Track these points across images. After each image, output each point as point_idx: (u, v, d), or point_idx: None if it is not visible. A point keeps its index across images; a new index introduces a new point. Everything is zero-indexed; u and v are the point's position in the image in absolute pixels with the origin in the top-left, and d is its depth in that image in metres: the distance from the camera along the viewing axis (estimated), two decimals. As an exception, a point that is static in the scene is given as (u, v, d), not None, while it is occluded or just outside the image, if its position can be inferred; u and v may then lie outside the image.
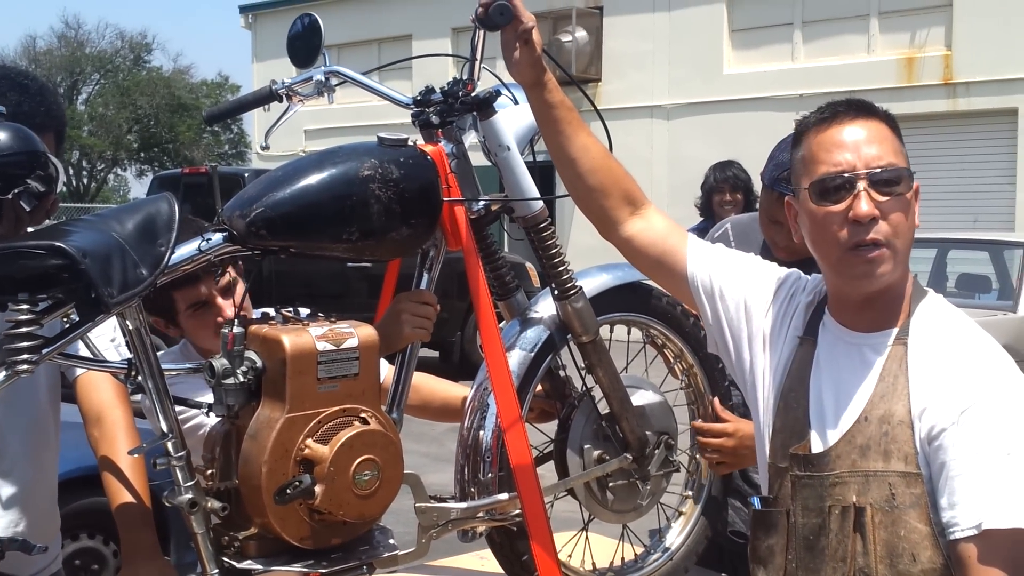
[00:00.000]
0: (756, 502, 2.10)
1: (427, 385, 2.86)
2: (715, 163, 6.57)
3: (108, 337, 2.38)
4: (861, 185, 1.94)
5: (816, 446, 2.00)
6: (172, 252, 2.02)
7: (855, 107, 2.02)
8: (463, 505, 2.39)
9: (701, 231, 4.75)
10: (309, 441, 2.05)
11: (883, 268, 1.95)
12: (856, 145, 1.97)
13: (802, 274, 2.20)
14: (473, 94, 2.37)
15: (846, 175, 1.95)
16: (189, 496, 2.04)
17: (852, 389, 1.99)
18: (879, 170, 1.94)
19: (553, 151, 2.26)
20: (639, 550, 2.87)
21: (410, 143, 2.33)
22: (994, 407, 1.86)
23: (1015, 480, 1.82)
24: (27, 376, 1.90)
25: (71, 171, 41.42)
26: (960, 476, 1.85)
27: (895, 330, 1.99)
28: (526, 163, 2.49)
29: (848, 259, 1.97)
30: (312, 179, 2.17)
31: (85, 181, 44.43)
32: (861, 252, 1.95)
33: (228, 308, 2.61)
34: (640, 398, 2.68)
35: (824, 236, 1.99)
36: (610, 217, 2.25)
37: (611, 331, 2.72)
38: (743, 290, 2.18)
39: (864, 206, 1.92)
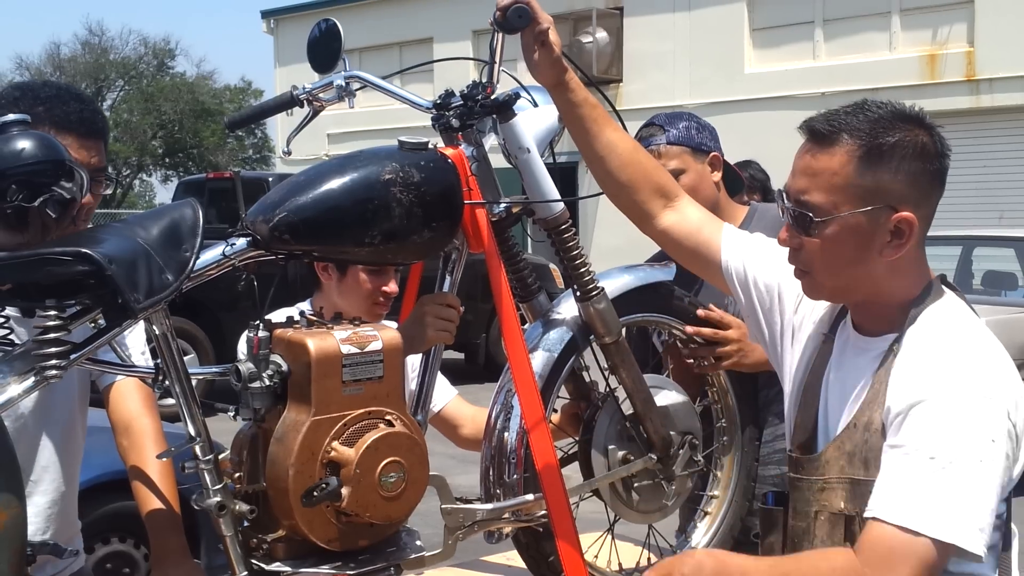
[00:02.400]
0: (771, 498, 2.10)
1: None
2: (734, 163, 6.48)
3: (139, 350, 2.41)
4: (787, 216, 1.97)
5: (820, 447, 2.00)
6: (197, 257, 2.04)
7: (813, 133, 1.96)
8: (489, 506, 2.40)
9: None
10: (335, 444, 2.06)
11: (810, 293, 2.01)
12: (795, 175, 1.97)
13: None
14: (492, 97, 2.37)
15: (784, 202, 1.98)
16: (217, 499, 2.05)
17: (850, 394, 1.98)
18: (795, 204, 1.95)
19: (582, 149, 2.28)
20: (665, 550, 2.87)
21: (430, 146, 2.34)
22: (942, 409, 1.80)
23: (928, 486, 1.76)
24: (58, 383, 1.93)
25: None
26: (887, 464, 1.82)
27: (893, 336, 1.96)
28: (546, 165, 2.49)
29: None
30: (334, 183, 2.18)
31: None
32: (796, 272, 2.01)
33: (393, 283, 2.94)
34: (664, 398, 2.67)
35: None
36: (644, 211, 2.27)
37: (634, 332, 2.72)
38: (777, 280, 2.19)
39: (781, 235, 1.99)
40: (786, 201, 1.96)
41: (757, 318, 2.21)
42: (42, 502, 2.36)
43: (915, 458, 1.78)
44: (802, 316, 2.15)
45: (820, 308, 2.13)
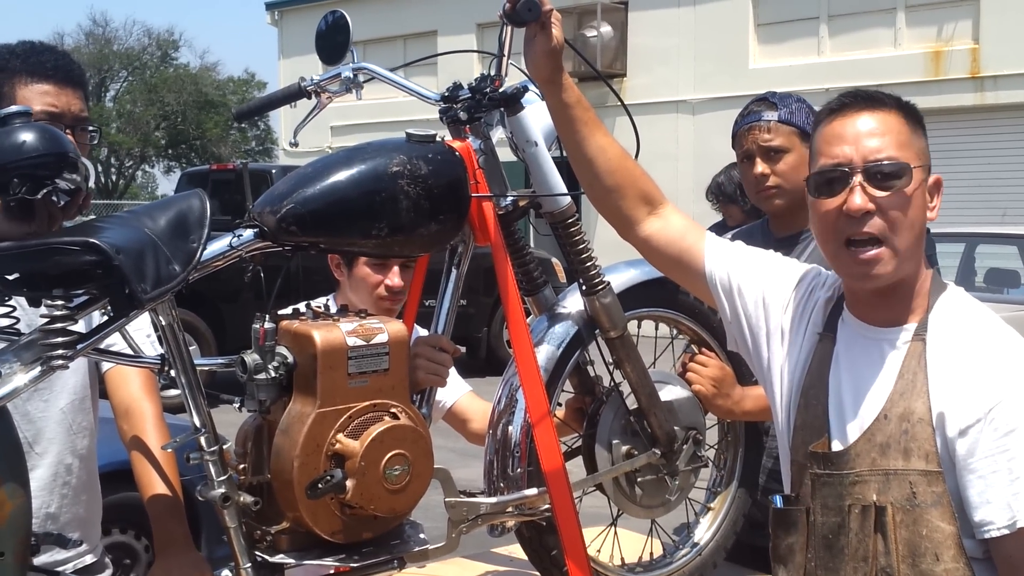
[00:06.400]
0: (777, 500, 2.10)
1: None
2: (717, 172, 5.94)
3: (144, 332, 2.40)
4: (856, 179, 1.93)
5: (836, 443, 1.99)
6: (204, 248, 2.04)
7: (863, 98, 2.00)
8: (492, 500, 2.40)
9: (722, 227, 4.69)
10: (340, 436, 2.06)
11: (879, 268, 1.94)
12: (856, 137, 1.96)
13: (822, 270, 2.20)
14: (500, 90, 2.37)
15: (842, 168, 1.95)
16: (222, 490, 2.05)
17: (871, 386, 1.98)
18: (875, 163, 1.93)
19: (570, 151, 2.26)
20: (668, 545, 2.87)
21: (438, 139, 2.34)
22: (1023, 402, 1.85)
23: None
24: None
25: (99, 168, 41.59)
26: (994, 473, 1.84)
27: (914, 325, 1.98)
28: (553, 159, 2.49)
29: (843, 256, 1.97)
30: (341, 175, 2.18)
31: (114, 178, 44.64)
32: (856, 251, 1.95)
33: (396, 278, 2.92)
34: (668, 393, 2.68)
35: (823, 229, 2.00)
36: (628, 217, 2.25)
37: (639, 326, 2.72)
38: (761, 286, 2.18)
39: (857, 200, 1.92)
40: (855, 165, 1.94)
41: (740, 324, 2.20)
42: (46, 475, 2.37)
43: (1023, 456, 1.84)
44: (791, 316, 2.14)
45: (812, 307, 2.13)
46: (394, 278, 2.93)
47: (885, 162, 1.93)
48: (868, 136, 1.95)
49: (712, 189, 5.86)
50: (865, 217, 1.92)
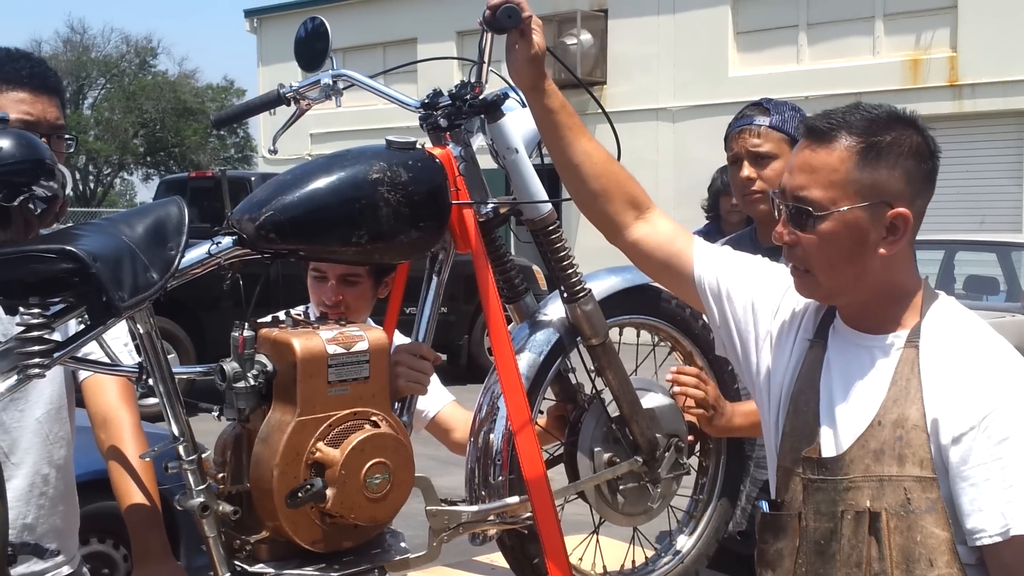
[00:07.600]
0: (764, 505, 2.09)
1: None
2: (723, 165, 6.34)
3: (122, 341, 2.39)
4: (783, 212, 1.99)
5: (827, 450, 1.99)
6: (182, 256, 2.02)
7: (816, 132, 1.98)
8: (474, 508, 2.39)
9: (707, 234, 4.71)
10: (320, 444, 2.05)
11: (805, 291, 2.03)
12: (792, 172, 1.99)
13: None
14: (481, 97, 2.36)
15: (776, 200, 2.01)
16: (201, 500, 2.04)
17: (864, 392, 1.98)
18: (793, 202, 1.97)
19: (555, 157, 2.26)
20: (650, 553, 2.86)
21: (418, 146, 2.33)
22: (1017, 410, 1.86)
23: None
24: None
25: (78, 176, 41.41)
26: (987, 481, 1.84)
27: (906, 332, 1.98)
28: (534, 166, 2.48)
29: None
30: (321, 182, 2.17)
31: (92, 185, 44.45)
32: (792, 269, 2.03)
33: (331, 293, 2.79)
34: (650, 401, 2.67)
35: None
36: (615, 222, 2.25)
37: (620, 334, 2.71)
38: (751, 292, 2.18)
39: (778, 228, 2.00)
40: (783, 199, 1.98)
41: (729, 329, 2.20)
42: (22, 485, 2.35)
43: (1017, 464, 1.84)
44: (781, 322, 2.15)
45: (802, 313, 2.13)
46: (329, 293, 2.82)
47: (800, 203, 1.96)
48: (801, 171, 1.98)
49: (723, 183, 5.94)
50: (787, 247, 1.99)
